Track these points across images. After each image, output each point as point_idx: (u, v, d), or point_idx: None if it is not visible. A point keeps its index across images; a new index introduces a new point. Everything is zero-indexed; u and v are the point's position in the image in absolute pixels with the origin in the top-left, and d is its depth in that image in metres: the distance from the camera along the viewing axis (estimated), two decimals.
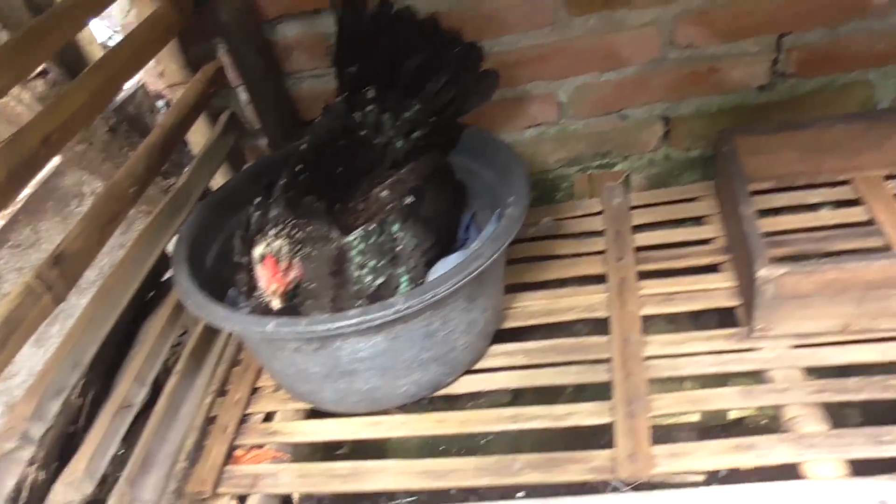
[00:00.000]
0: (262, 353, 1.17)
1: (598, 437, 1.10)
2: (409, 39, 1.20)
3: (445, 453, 1.44)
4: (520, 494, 1.22)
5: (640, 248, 1.38)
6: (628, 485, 1.07)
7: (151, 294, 1.45)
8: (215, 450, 1.18)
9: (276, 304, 1.05)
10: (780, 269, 1.05)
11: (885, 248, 1.22)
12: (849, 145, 1.34)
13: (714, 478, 1.03)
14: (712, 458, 0.99)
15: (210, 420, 1.25)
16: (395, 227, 1.13)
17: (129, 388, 1.15)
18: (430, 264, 1.15)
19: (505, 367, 1.21)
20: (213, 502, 1.12)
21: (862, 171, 1.36)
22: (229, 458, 1.18)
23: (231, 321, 1.05)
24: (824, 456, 0.95)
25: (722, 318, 1.25)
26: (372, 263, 1.10)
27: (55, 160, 1.26)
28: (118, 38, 1.27)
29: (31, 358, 1.37)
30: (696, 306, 1.24)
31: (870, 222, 1.29)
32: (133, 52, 1.19)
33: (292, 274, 1.05)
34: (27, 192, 1.35)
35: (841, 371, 1.07)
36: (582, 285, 1.35)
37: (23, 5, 1.22)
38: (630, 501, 0.98)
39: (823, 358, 1.09)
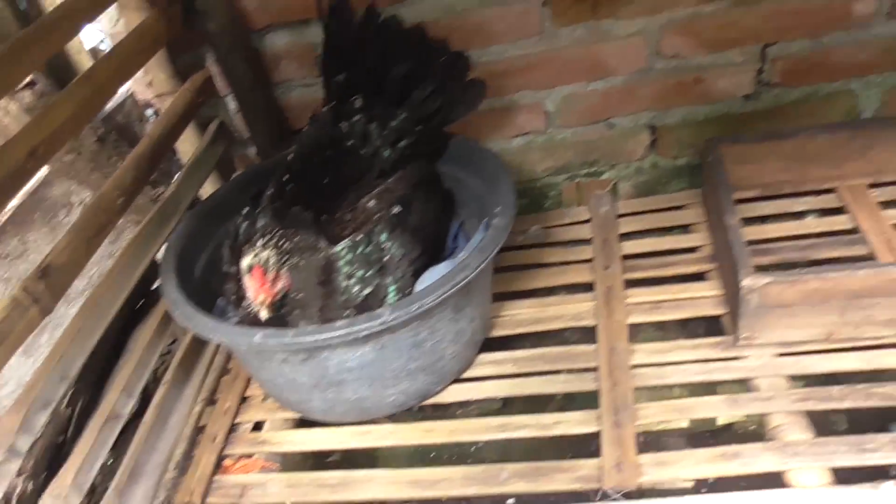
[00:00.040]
0: (251, 363, 1.17)
1: (587, 444, 1.11)
2: (395, 48, 1.21)
3: (436, 460, 1.44)
4: (510, 502, 1.24)
5: (627, 257, 1.38)
6: (618, 492, 1.08)
7: (141, 302, 1.44)
8: (204, 459, 1.18)
9: (263, 314, 1.05)
10: (764, 279, 1.06)
11: (868, 257, 1.24)
12: (833, 154, 1.35)
13: (703, 485, 1.05)
14: (698, 467, 1.00)
15: (199, 429, 1.25)
16: (383, 237, 1.13)
17: (117, 398, 1.15)
18: (417, 274, 1.16)
19: (493, 376, 1.21)
20: None
21: (846, 180, 1.37)
22: (218, 467, 1.18)
23: (219, 332, 1.05)
24: (808, 464, 0.96)
25: (709, 325, 1.26)
26: (360, 273, 1.11)
27: (43, 170, 1.25)
28: (109, 41, 1.28)
29: (20, 368, 1.37)
30: (683, 315, 1.25)
31: (854, 230, 1.30)
32: (121, 63, 1.19)
33: (280, 284, 1.06)
34: (15, 202, 1.35)
35: (827, 379, 1.09)
36: (570, 294, 1.36)
37: (10, 16, 1.22)
38: None
39: (808, 366, 1.10)
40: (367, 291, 1.11)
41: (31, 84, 1.24)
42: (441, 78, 1.22)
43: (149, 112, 1.51)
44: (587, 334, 1.25)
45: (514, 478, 1.05)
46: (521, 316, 1.31)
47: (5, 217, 1.34)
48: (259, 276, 1.04)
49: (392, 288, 1.12)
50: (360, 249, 1.11)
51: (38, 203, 1.30)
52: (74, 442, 1.16)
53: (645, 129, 1.48)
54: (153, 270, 1.35)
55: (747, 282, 1.06)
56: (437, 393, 1.19)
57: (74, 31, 1.17)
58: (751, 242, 1.32)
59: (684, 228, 1.45)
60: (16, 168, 0.93)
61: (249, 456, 1.19)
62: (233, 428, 1.24)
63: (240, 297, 1.10)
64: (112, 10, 1.32)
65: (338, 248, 1.10)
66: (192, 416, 1.26)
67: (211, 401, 1.30)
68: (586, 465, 1.04)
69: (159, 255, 1.26)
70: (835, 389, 1.05)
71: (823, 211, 1.38)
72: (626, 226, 1.46)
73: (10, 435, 0.98)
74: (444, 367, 1.15)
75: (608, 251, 1.39)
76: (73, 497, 1.05)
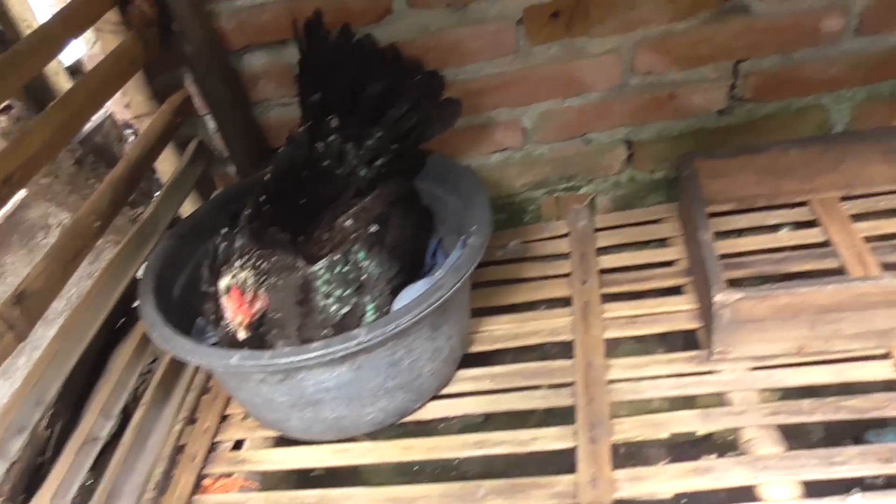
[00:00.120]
0: (229, 383, 1.18)
1: (566, 459, 1.11)
2: (370, 67, 1.22)
3: (419, 475, 1.45)
4: None
5: (604, 271, 1.40)
6: None
7: (122, 321, 1.45)
8: (183, 479, 1.18)
9: (241, 334, 1.06)
10: (736, 295, 1.07)
11: (839, 270, 1.26)
12: (805, 168, 1.37)
13: (682, 497, 1.06)
14: (672, 482, 1.01)
15: (179, 449, 1.25)
16: (361, 256, 1.14)
17: (94, 421, 1.15)
18: (395, 292, 1.17)
19: (472, 392, 1.22)
20: None
21: (818, 193, 1.39)
22: (198, 487, 1.18)
23: (196, 355, 1.05)
24: (778, 478, 0.97)
25: (687, 338, 1.27)
26: (338, 293, 1.11)
27: (20, 193, 1.26)
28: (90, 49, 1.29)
29: None
30: (659, 329, 1.26)
31: (826, 243, 1.32)
32: (97, 86, 1.20)
33: (258, 305, 1.07)
34: None
35: (798, 392, 1.10)
36: (548, 309, 1.37)
37: None
38: None
39: (780, 380, 1.11)
40: (344, 310, 1.11)
41: (6, 108, 1.24)
42: (416, 97, 1.23)
43: (128, 131, 1.51)
44: (565, 349, 1.26)
45: (491, 494, 1.06)
46: (499, 331, 1.32)
47: None
48: (237, 296, 1.05)
49: (370, 307, 1.13)
50: (337, 269, 1.12)
51: (16, 226, 1.30)
52: (53, 464, 1.16)
53: (621, 144, 1.50)
54: (134, 289, 1.36)
55: (719, 297, 1.08)
56: (416, 410, 1.20)
57: (51, 55, 1.18)
58: (725, 256, 1.34)
59: (661, 242, 1.47)
60: None
61: (229, 475, 1.19)
62: (212, 447, 1.24)
63: (219, 316, 1.11)
64: (89, 33, 1.32)
65: (315, 267, 1.11)
66: (172, 436, 1.26)
67: (191, 420, 1.30)
68: (562, 482, 1.05)
69: (140, 274, 1.26)
70: (805, 403, 1.06)
71: (797, 224, 1.40)
72: (604, 240, 1.48)
73: None
74: (422, 384, 1.16)
75: (586, 266, 1.40)
76: None
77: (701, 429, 1.09)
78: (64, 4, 1.17)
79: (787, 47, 1.36)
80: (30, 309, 0.98)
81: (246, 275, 1.06)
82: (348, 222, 1.17)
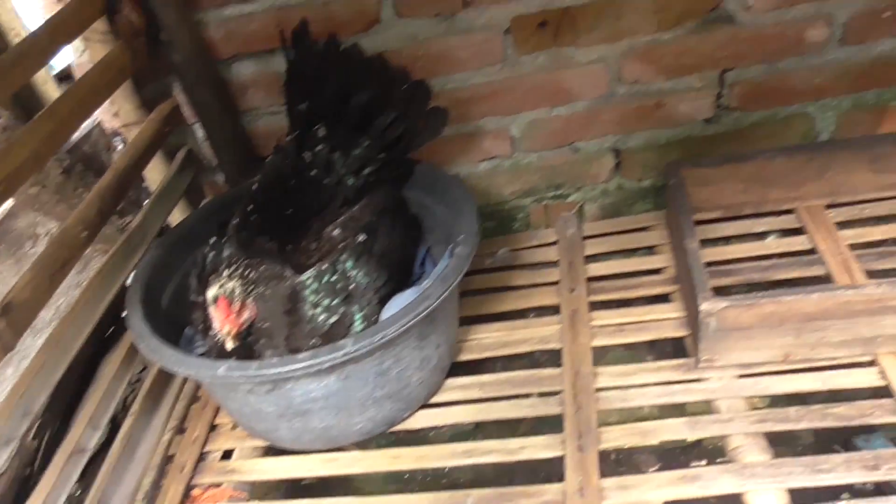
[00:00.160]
0: (218, 393, 1.18)
1: (554, 468, 1.12)
2: (356, 77, 1.22)
3: (410, 482, 1.45)
4: None
5: (593, 279, 1.40)
6: None
7: (111, 329, 1.44)
8: (172, 489, 1.18)
9: (229, 344, 1.06)
10: (722, 303, 1.08)
11: (825, 277, 1.27)
12: (791, 176, 1.38)
13: None
14: (659, 490, 1.01)
15: (168, 459, 1.25)
16: (349, 265, 1.14)
17: (82, 432, 1.14)
18: (384, 301, 1.17)
19: (460, 401, 1.22)
20: None
21: (805, 201, 1.40)
22: (186, 497, 1.17)
23: (183, 366, 1.05)
24: (765, 486, 0.98)
25: (676, 345, 1.28)
26: (326, 302, 1.11)
27: (8, 202, 1.25)
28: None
29: None
30: (647, 337, 1.27)
31: (812, 251, 1.33)
32: (85, 96, 1.20)
33: (245, 315, 1.06)
34: None
35: (785, 399, 1.11)
36: (537, 317, 1.37)
37: None
38: None
39: (767, 387, 1.12)
40: (333, 320, 1.11)
41: None
42: (403, 106, 1.24)
43: (117, 140, 1.51)
44: (553, 357, 1.27)
45: (479, 503, 1.06)
46: (488, 340, 1.32)
47: None
48: (224, 306, 1.05)
49: (358, 316, 1.13)
50: (325, 278, 1.12)
51: (3, 235, 1.29)
52: (41, 474, 1.16)
53: (609, 153, 1.51)
54: (123, 298, 1.35)
55: (705, 306, 1.08)
56: (405, 419, 1.20)
57: (39, 65, 1.18)
58: (713, 264, 1.35)
59: (649, 250, 1.47)
60: None
61: (218, 485, 1.19)
62: (202, 457, 1.24)
63: (207, 326, 1.11)
64: (77, 42, 1.32)
65: (303, 277, 1.11)
66: (161, 446, 1.26)
67: (180, 429, 1.30)
68: (550, 490, 1.05)
69: (129, 283, 1.26)
70: (792, 410, 1.07)
71: (784, 231, 1.41)
72: (592, 248, 1.49)
73: None
74: (410, 393, 1.16)
75: (574, 274, 1.41)
76: None
77: (689, 437, 1.10)
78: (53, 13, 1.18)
79: (773, 57, 1.37)
80: (16, 320, 0.98)
81: (234, 284, 1.06)
82: (336, 231, 1.17)
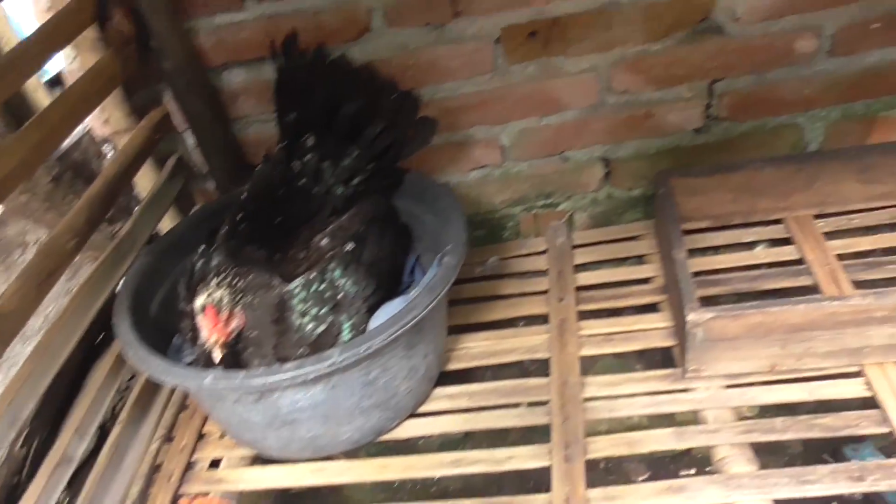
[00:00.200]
0: (205, 403, 1.18)
1: (542, 478, 1.12)
2: (345, 87, 1.22)
3: (399, 491, 1.46)
4: None
5: (582, 288, 1.41)
6: None
7: (101, 336, 1.44)
8: (160, 499, 1.18)
9: (217, 353, 1.05)
10: (708, 314, 1.08)
11: (813, 287, 1.27)
12: (780, 186, 1.39)
13: None
14: (645, 501, 1.02)
15: (156, 468, 1.24)
16: (337, 274, 1.14)
17: (69, 441, 1.14)
18: (372, 310, 1.17)
19: (449, 411, 1.22)
20: None
21: (793, 211, 1.41)
22: None
23: (170, 375, 1.05)
24: (751, 497, 0.98)
25: (665, 354, 1.28)
26: (314, 311, 1.11)
27: None
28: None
29: None
30: (635, 346, 1.27)
31: (800, 261, 1.33)
32: (75, 104, 1.20)
33: (233, 323, 1.06)
34: None
35: (771, 410, 1.11)
36: (526, 326, 1.37)
37: None
38: None
39: (753, 398, 1.12)
40: (320, 329, 1.11)
41: None
42: (391, 116, 1.24)
43: (107, 147, 1.51)
44: (541, 367, 1.27)
45: None
46: (477, 349, 1.33)
47: None
48: (212, 315, 1.05)
49: (346, 325, 1.13)
50: (313, 287, 1.12)
51: None
52: (29, 483, 1.15)
53: (599, 162, 1.51)
54: (112, 305, 1.35)
55: (692, 317, 1.09)
56: (393, 429, 1.20)
57: (29, 73, 1.18)
58: (702, 273, 1.36)
59: (639, 259, 1.48)
60: None
61: (206, 494, 1.19)
62: (189, 466, 1.24)
63: (195, 334, 1.10)
64: (68, 49, 1.32)
65: (291, 285, 1.11)
66: (149, 454, 1.25)
67: (168, 438, 1.29)
68: (537, 500, 1.05)
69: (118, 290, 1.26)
70: (778, 421, 1.07)
71: (773, 241, 1.42)
72: (582, 257, 1.49)
73: None
74: (398, 403, 1.16)
75: (563, 283, 1.41)
76: None
77: (675, 447, 1.10)
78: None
79: (762, 67, 1.37)
80: (3, 330, 0.98)
81: (222, 293, 1.06)
82: (324, 241, 1.17)
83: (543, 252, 1.53)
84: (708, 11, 1.32)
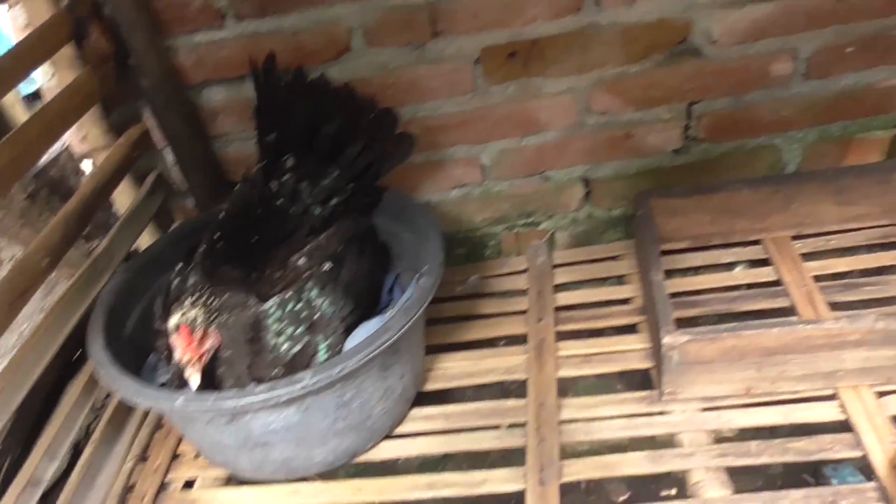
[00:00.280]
0: (178, 423, 1.17)
1: (517, 502, 1.11)
2: (324, 107, 1.23)
3: None
4: None
5: (561, 308, 1.41)
6: None
7: (78, 353, 1.42)
8: None
9: (188, 372, 1.04)
10: (683, 337, 1.08)
11: (790, 309, 1.27)
12: (757, 208, 1.39)
13: None
14: None
15: (129, 488, 1.23)
16: (314, 294, 1.14)
17: (38, 463, 1.12)
18: (349, 330, 1.16)
19: (425, 432, 1.21)
20: None
21: (771, 232, 1.41)
22: None
23: (141, 396, 1.04)
24: None
25: (644, 375, 1.27)
26: (289, 331, 1.11)
27: None
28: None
29: None
30: (613, 368, 1.27)
31: (777, 282, 1.34)
32: (51, 121, 1.19)
33: (208, 343, 1.06)
34: None
35: (747, 433, 1.11)
36: (505, 346, 1.37)
37: None
38: None
39: (729, 421, 1.12)
40: (296, 349, 1.11)
41: None
42: (371, 134, 1.24)
43: (86, 163, 1.50)
44: (519, 388, 1.26)
45: None
46: (454, 369, 1.32)
47: None
48: (185, 335, 1.04)
49: (323, 345, 1.13)
50: (289, 307, 1.12)
51: None
52: None
53: (579, 182, 1.51)
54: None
55: (667, 339, 1.09)
56: (369, 450, 1.19)
57: (5, 90, 1.17)
58: (681, 294, 1.36)
59: (619, 279, 1.48)
60: None
61: None
62: (163, 486, 1.22)
63: (171, 353, 1.10)
64: (46, 66, 1.32)
65: (266, 305, 1.11)
66: (122, 474, 1.24)
67: (142, 457, 1.28)
68: None
69: None
70: (753, 444, 1.07)
71: (751, 262, 1.42)
72: (562, 276, 1.49)
73: None
74: (373, 424, 1.15)
75: (542, 303, 1.41)
76: None
77: (651, 471, 1.09)
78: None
79: (739, 90, 1.38)
80: None
81: (196, 313, 1.06)
82: (301, 260, 1.17)
83: (524, 271, 1.53)
84: (685, 34, 1.33)
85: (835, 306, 1.26)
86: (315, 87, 1.23)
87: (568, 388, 1.26)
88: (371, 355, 1.00)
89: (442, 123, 1.43)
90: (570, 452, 1.13)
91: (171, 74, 1.37)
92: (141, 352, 1.24)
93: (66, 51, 1.28)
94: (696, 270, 1.44)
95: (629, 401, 1.18)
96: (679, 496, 1.05)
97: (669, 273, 1.37)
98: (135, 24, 1.29)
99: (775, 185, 1.38)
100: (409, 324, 1.04)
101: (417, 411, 1.25)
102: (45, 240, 1.15)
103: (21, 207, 1.31)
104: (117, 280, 1.27)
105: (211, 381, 1.07)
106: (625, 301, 1.41)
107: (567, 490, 1.07)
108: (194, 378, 1.03)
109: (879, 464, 1.00)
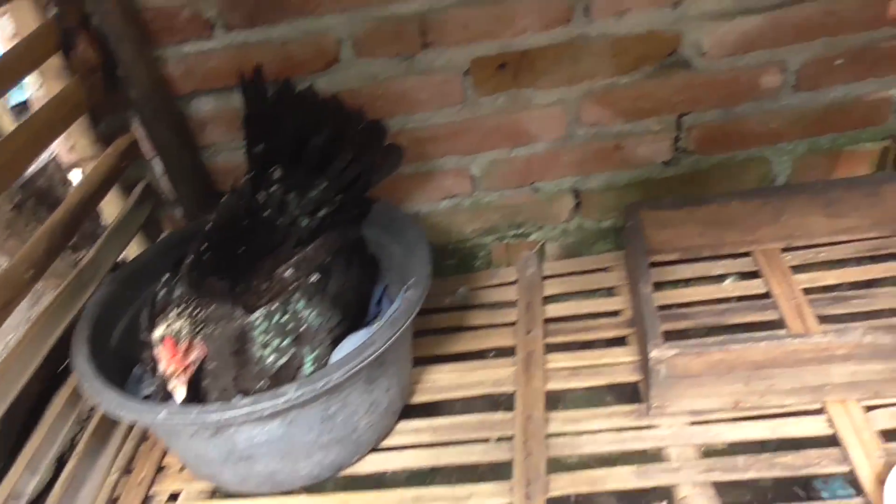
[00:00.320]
0: (162, 436, 1.16)
1: None
2: (312, 118, 1.22)
3: None
4: None
5: (550, 320, 1.40)
6: None
7: (64, 366, 1.41)
8: None
9: (172, 384, 1.04)
10: (671, 350, 1.08)
11: (779, 322, 1.27)
12: (747, 220, 1.39)
13: None
14: None
15: (113, 501, 1.22)
16: (300, 306, 1.13)
17: (19, 477, 1.11)
18: (336, 342, 1.16)
19: (413, 445, 1.21)
20: None
21: (760, 244, 1.41)
22: None
23: (125, 409, 1.03)
24: None
25: (633, 388, 1.27)
26: (275, 343, 1.10)
27: None
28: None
29: None
30: (601, 381, 1.26)
31: (767, 295, 1.33)
32: (38, 131, 1.18)
33: (193, 355, 1.05)
34: None
35: (735, 447, 1.10)
36: (493, 358, 1.36)
37: None
38: None
39: (717, 435, 1.11)
40: (282, 361, 1.10)
41: None
42: (359, 146, 1.24)
43: (75, 172, 1.49)
44: (507, 401, 1.25)
45: None
46: (442, 381, 1.31)
47: None
48: (170, 347, 1.04)
49: (309, 357, 1.12)
50: (275, 319, 1.11)
51: None
52: None
53: (569, 193, 1.51)
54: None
55: (655, 353, 1.08)
56: (355, 463, 1.18)
57: None
58: (671, 306, 1.35)
59: (608, 291, 1.47)
60: None
61: None
62: (147, 499, 1.21)
63: (156, 365, 1.09)
64: (34, 76, 1.31)
65: (252, 317, 1.10)
66: (106, 487, 1.23)
67: (127, 470, 1.27)
68: None
69: None
70: (740, 459, 1.06)
71: (741, 274, 1.42)
72: (551, 288, 1.48)
73: None
74: (359, 438, 1.14)
75: (531, 315, 1.40)
76: None
77: (638, 485, 1.09)
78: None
79: (728, 102, 1.38)
80: None
81: (181, 324, 1.05)
82: (288, 272, 1.16)
83: (514, 282, 1.52)
84: (675, 46, 1.33)
85: (824, 319, 1.26)
86: (303, 99, 1.23)
87: (556, 400, 1.26)
88: (356, 369, 0.99)
89: (431, 134, 1.43)
90: (558, 466, 1.12)
91: (159, 85, 1.37)
92: (127, 363, 1.23)
93: (54, 61, 1.28)
94: (686, 282, 1.43)
95: (617, 414, 1.18)
96: None
97: (659, 285, 1.36)
98: (123, 35, 1.29)
99: (765, 197, 1.38)
100: (395, 337, 1.03)
101: (405, 424, 1.24)
102: (30, 251, 1.14)
103: (7, 218, 1.30)
104: (103, 291, 1.26)
105: (196, 393, 1.06)
106: (614, 313, 1.40)
107: None
108: (179, 390, 1.02)
109: (866, 478, 0.99)
